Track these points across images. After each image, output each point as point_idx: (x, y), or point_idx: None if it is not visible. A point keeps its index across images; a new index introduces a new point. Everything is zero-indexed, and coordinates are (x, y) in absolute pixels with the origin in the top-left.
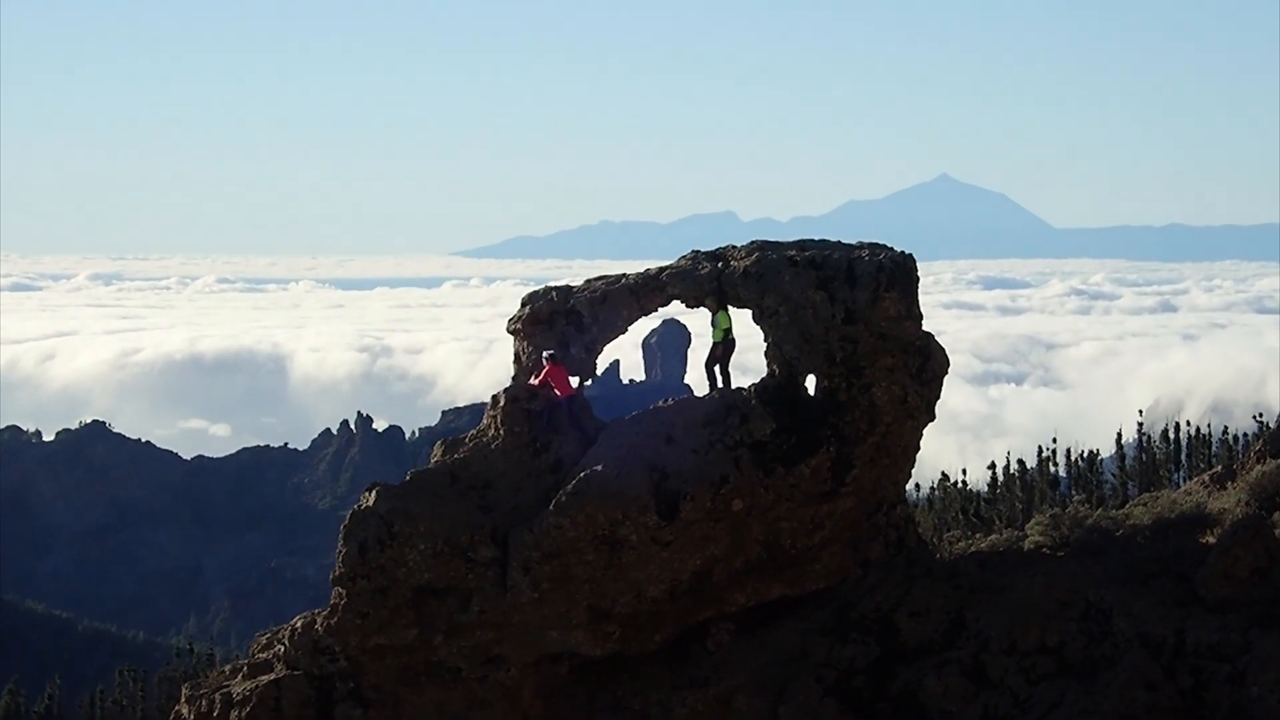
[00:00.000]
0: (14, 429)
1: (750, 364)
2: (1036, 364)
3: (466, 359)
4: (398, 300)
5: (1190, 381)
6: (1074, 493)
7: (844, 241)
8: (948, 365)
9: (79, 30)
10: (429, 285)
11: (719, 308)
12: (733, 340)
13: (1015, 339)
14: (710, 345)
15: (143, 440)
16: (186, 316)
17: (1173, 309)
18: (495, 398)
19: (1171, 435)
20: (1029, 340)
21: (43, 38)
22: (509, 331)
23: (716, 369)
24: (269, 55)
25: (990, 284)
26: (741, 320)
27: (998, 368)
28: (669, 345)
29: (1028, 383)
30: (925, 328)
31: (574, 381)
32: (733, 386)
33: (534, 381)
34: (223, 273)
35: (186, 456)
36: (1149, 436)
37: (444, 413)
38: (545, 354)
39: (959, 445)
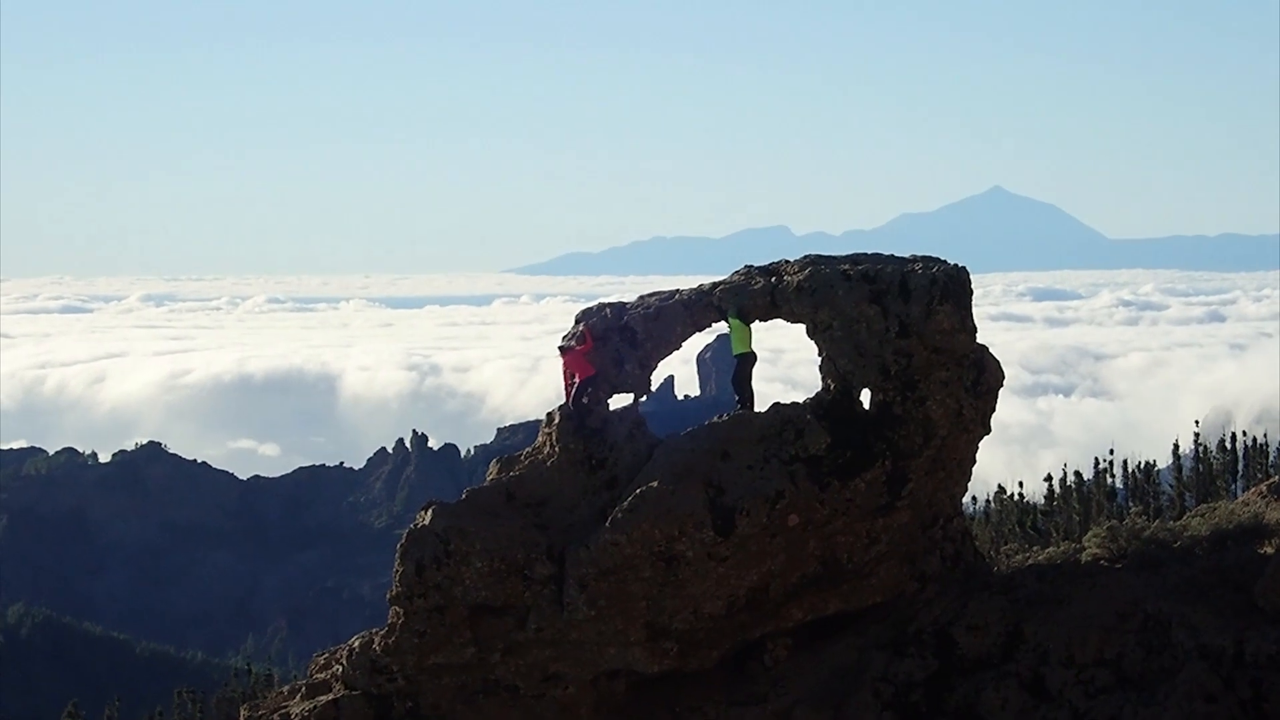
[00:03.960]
0: (70, 451)
1: (801, 379)
2: (1085, 375)
3: (515, 377)
4: (446, 318)
5: (1238, 392)
6: (1131, 504)
7: (897, 255)
8: (1003, 378)
9: (134, 55)
10: (479, 303)
11: (739, 321)
12: (753, 354)
13: (1063, 350)
14: (737, 360)
15: (198, 460)
16: (235, 337)
17: (1221, 319)
18: (550, 415)
19: (1228, 445)
20: (1077, 351)
21: (95, 63)
22: (559, 349)
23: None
24: (328, 78)
25: (1040, 295)
26: (792, 335)
27: (1046, 379)
28: (723, 361)
29: (1076, 394)
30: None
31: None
32: (752, 401)
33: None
34: (274, 292)
35: (237, 477)
36: (1205, 447)
37: (499, 430)
38: (559, 346)
39: (1007, 457)
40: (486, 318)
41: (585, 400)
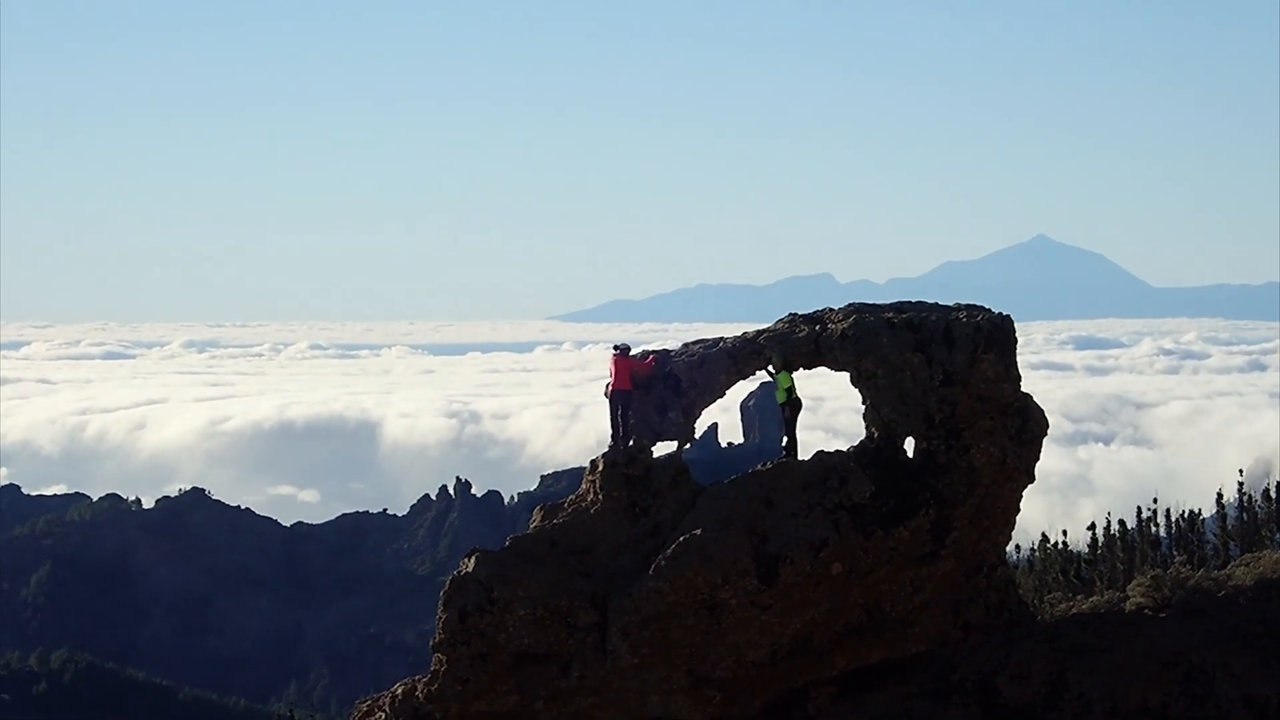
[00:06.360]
0: (114, 497)
1: (843, 427)
2: (1126, 423)
3: (555, 424)
4: (488, 365)
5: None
6: (1175, 553)
7: (941, 303)
8: (1047, 426)
9: (180, 107)
10: (522, 350)
11: (780, 369)
12: (798, 400)
13: (1103, 399)
14: (785, 408)
15: (241, 507)
16: (276, 383)
17: (1262, 368)
18: (594, 462)
19: (1273, 495)
20: (1117, 400)
21: (141, 111)
22: (615, 347)
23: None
24: (376, 127)
25: (1082, 344)
26: (831, 382)
27: (1087, 428)
28: (767, 408)
29: (1116, 442)
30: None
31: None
32: (797, 448)
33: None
34: (318, 339)
35: (280, 523)
36: (1250, 496)
37: (543, 477)
38: (615, 345)
39: (1047, 506)
40: (528, 365)
41: (619, 414)
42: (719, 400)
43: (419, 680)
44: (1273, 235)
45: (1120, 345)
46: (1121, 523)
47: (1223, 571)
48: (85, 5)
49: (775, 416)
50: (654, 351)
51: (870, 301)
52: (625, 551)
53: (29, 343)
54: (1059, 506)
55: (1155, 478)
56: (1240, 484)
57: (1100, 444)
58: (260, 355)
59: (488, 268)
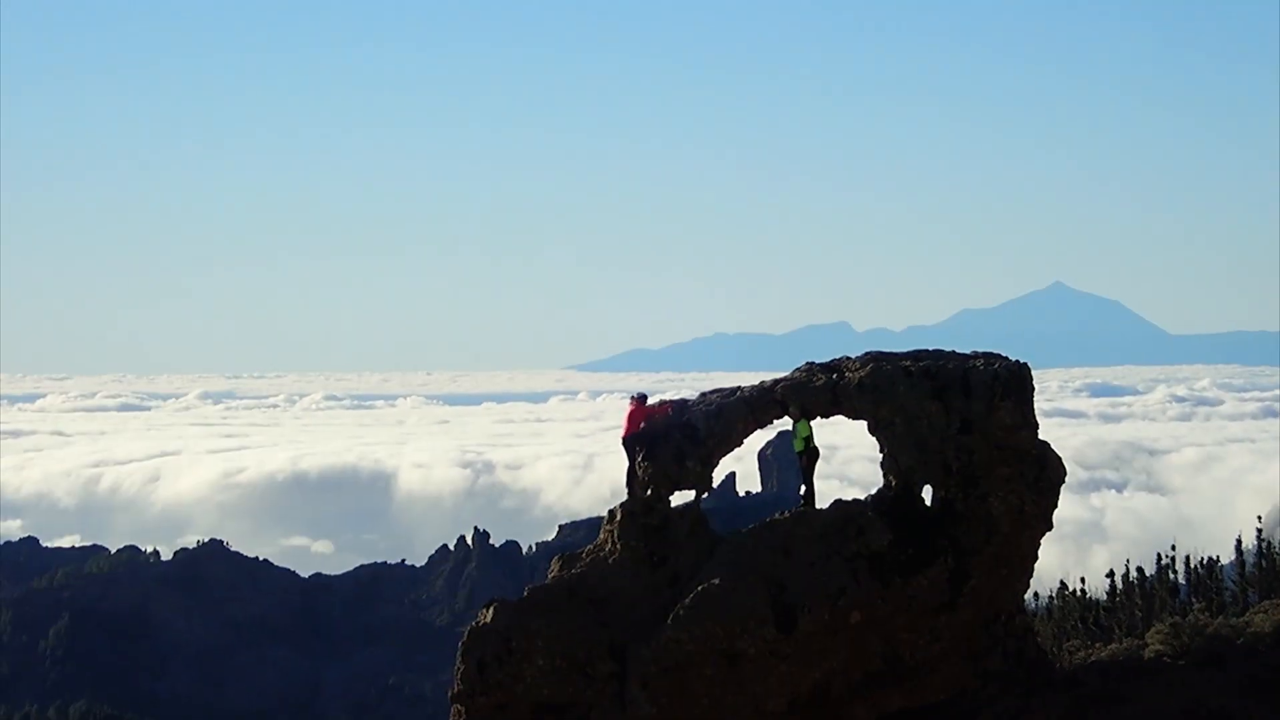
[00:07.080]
0: (132, 549)
1: (858, 475)
2: (1140, 470)
3: (569, 474)
4: (502, 415)
5: None
6: (1194, 601)
7: (958, 351)
8: (1064, 474)
9: (196, 158)
10: (537, 400)
11: (799, 417)
12: (816, 450)
13: (1117, 446)
14: (803, 456)
15: (260, 558)
16: (290, 434)
17: (1275, 414)
18: (612, 512)
19: None
20: (1130, 446)
21: (163, 163)
22: (635, 395)
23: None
24: (396, 179)
25: (1097, 391)
26: (844, 431)
27: (1100, 475)
28: (785, 457)
29: (1129, 489)
30: None
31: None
32: (814, 497)
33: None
34: (334, 390)
35: (299, 574)
36: (1268, 543)
37: (561, 527)
38: (636, 394)
39: (1060, 553)
40: (542, 414)
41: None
42: (736, 449)
43: None
44: None
45: (1135, 392)
46: (1140, 570)
47: (1242, 619)
48: (92, 48)
49: (793, 465)
50: (670, 400)
51: (887, 350)
52: (644, 601)
53: (45, 395)
54: (1072, 554)
55: (1169, 525)
56: (1259, 530)
57: (1113, 491)
58: (275, 406)
59: (507, 318)
